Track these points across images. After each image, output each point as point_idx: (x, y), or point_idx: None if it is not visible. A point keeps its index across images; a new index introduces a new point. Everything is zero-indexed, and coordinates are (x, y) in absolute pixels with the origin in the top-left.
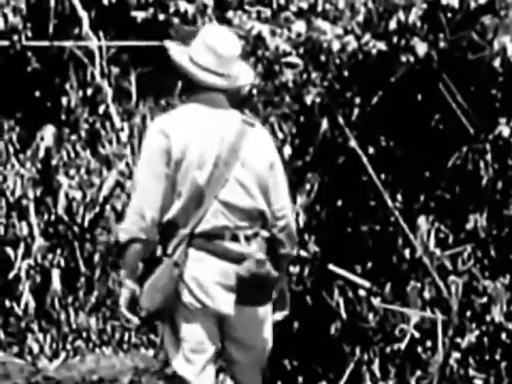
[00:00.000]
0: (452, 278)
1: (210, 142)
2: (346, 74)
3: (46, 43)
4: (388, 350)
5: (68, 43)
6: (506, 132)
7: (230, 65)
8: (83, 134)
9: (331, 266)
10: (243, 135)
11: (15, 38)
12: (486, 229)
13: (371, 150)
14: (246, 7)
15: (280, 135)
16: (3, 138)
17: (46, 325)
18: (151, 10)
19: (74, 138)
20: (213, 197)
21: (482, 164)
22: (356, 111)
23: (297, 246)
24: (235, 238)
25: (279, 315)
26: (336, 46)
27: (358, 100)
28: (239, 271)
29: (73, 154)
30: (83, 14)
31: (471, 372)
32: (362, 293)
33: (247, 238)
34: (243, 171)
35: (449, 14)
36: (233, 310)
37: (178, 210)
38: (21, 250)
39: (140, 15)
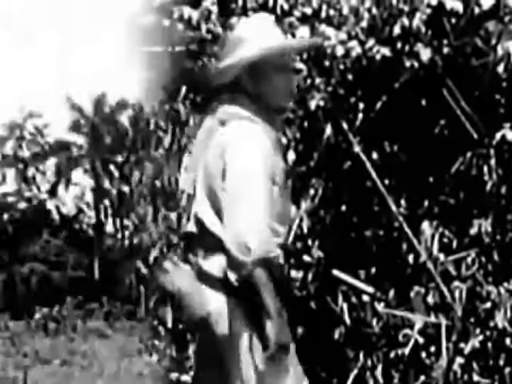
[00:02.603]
0: (456, 283)
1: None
2: (350, 79)
3: None
4: (392, 355)
5: None
6: (509, 137)
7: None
8: None
9: (335, 272)
10: (209, 136)
11: None
12: (489, 234)
13: (375, 155)
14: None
15: (284, 140)
16: None
17: None
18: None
19: None
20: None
21: (485, 169)
22: (360, 116)
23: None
24: None
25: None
26: (340, 51)
27: (361, 105)
28: None
29: None
30: None
31: (475, 377)
32: (365, 298)
33: None
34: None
35: (453, 20)
36: None
37: None
38: None
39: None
